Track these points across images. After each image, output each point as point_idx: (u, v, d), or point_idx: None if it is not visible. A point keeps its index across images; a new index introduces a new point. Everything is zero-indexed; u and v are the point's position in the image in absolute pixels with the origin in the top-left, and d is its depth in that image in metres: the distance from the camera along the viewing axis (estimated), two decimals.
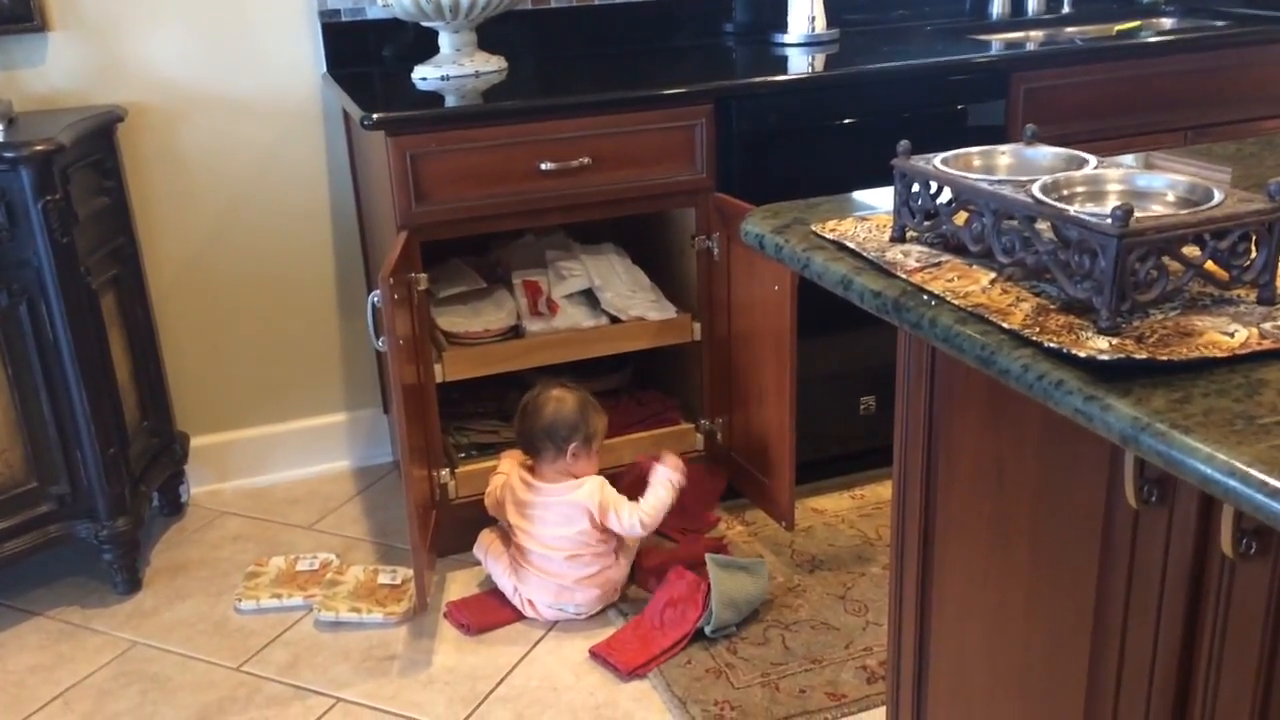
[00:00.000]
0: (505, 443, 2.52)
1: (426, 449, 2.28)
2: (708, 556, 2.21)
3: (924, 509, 1.35)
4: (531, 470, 2.24)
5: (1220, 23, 2.99)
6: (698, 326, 2.44)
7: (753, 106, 2.34)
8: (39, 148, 2.10)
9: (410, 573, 2.37)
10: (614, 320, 2.41)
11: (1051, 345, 0.85)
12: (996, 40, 2.94)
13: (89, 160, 2.35)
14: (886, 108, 2.44)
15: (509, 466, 2.26)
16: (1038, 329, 0.88)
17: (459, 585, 2.36)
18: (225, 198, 2.65)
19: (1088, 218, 0.88)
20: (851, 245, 1.11)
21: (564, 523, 2.18)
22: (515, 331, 2.42)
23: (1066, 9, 3.16)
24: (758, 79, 2.38)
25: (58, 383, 2.24)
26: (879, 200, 1.30)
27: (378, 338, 1.98)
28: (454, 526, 2.41)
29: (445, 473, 2.36)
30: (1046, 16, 3.15)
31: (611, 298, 2.41)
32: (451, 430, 2.52)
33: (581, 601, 2.20)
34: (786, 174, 2.38)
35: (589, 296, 2.45)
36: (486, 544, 2.29)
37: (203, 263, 2.68)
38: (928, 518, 1.35)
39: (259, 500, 2.78)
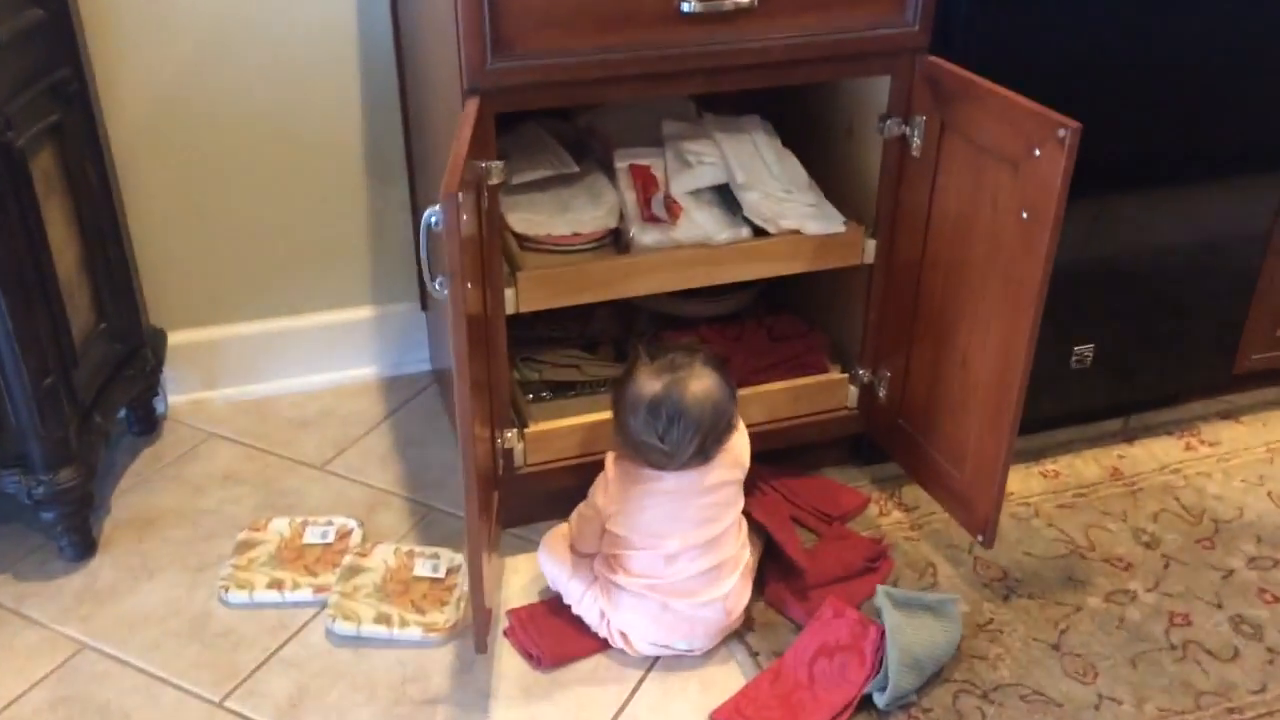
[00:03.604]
0: (589, 381, 1.86)
1: (490, 404, 1.62)
2: (881, 592, 1.58)
3: None
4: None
5: None
6: (871, 245, 1.73)
7: None
8: None
9: (458, 559, 1.75)
10: (758, 232, 1.70)
11: None
12: None
13: None
14: None
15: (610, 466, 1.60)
16: None
17: (521, 579, 1.73)
18: (215, 13, 1.90)
19: None
20: None
21: (716, 513, 1.54)
22: (615, 237, 1.72)
23: None
24: None
25: None
26: None
27: (434, 278, 1.29)
28: (520, 500, 1.78)
29: (512, 434, 1.70)
30: None
31: (758, 200, 1.69)
32: (517, 363, 1.85)
33: (700, 635, 1.58)
34: (1032, 36, 1.62)
35: (723, 194, 1.73)
36: (559, 554, 1.65)
37: (183, 105, 1.94)
38: None
39: (258, 418, 2.14)
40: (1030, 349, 1.50)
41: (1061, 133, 1.36)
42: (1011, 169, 1.46)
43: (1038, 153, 1.40)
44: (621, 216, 1.70)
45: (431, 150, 1.82)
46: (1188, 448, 2.04)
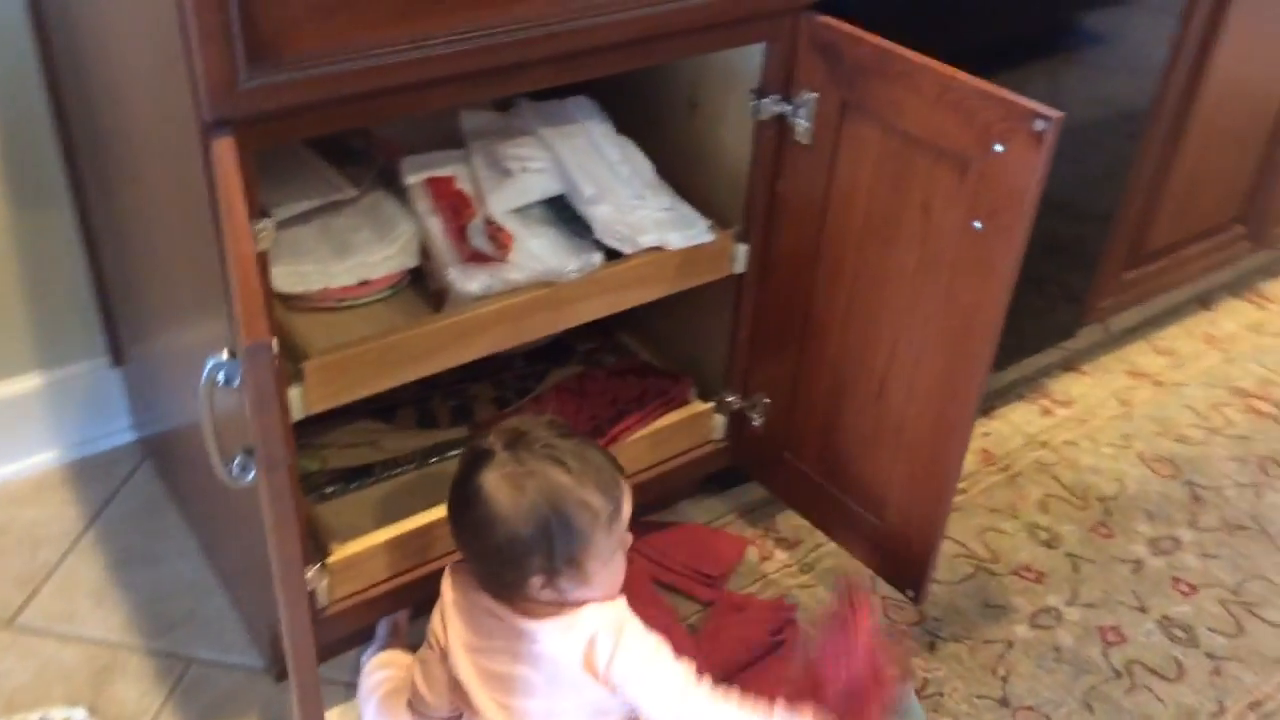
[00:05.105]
0: (388, 461, 1.40)
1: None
2: None
3: None
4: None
5: None
6: (742, 251, 1.37)
7: None
8: None
9: None
10: (610, 255, 1.29)
11: None
12: None
13: None
14: None
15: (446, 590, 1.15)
16: None
17: None
18: None
19: None
20: None
21: (569, 689, 1.14)
22: (415, 280, 1.26)
23: None
24: None
25: None
26: None
27: (227, 460, 0.80)
28: (324, 647, 1.33)
29: (312, 572, 1.22)
30: None
31: (610, 215, 1.27)
32: (296, 449, 1.36)
33: None
34: None
35: (554, 207, 1.30)
36: (379, 695, 1.21)
37: None
38: None
39: None
40: (983, 385, 1.21)
41: (1039, 124, 1.05)
42: (957, 168, 1.14)
43: (999, 148, 1.09)
44: (425, 254, 1.24)
45: (121, 171, 1.26)
46: (1044, 412, 1.87)
